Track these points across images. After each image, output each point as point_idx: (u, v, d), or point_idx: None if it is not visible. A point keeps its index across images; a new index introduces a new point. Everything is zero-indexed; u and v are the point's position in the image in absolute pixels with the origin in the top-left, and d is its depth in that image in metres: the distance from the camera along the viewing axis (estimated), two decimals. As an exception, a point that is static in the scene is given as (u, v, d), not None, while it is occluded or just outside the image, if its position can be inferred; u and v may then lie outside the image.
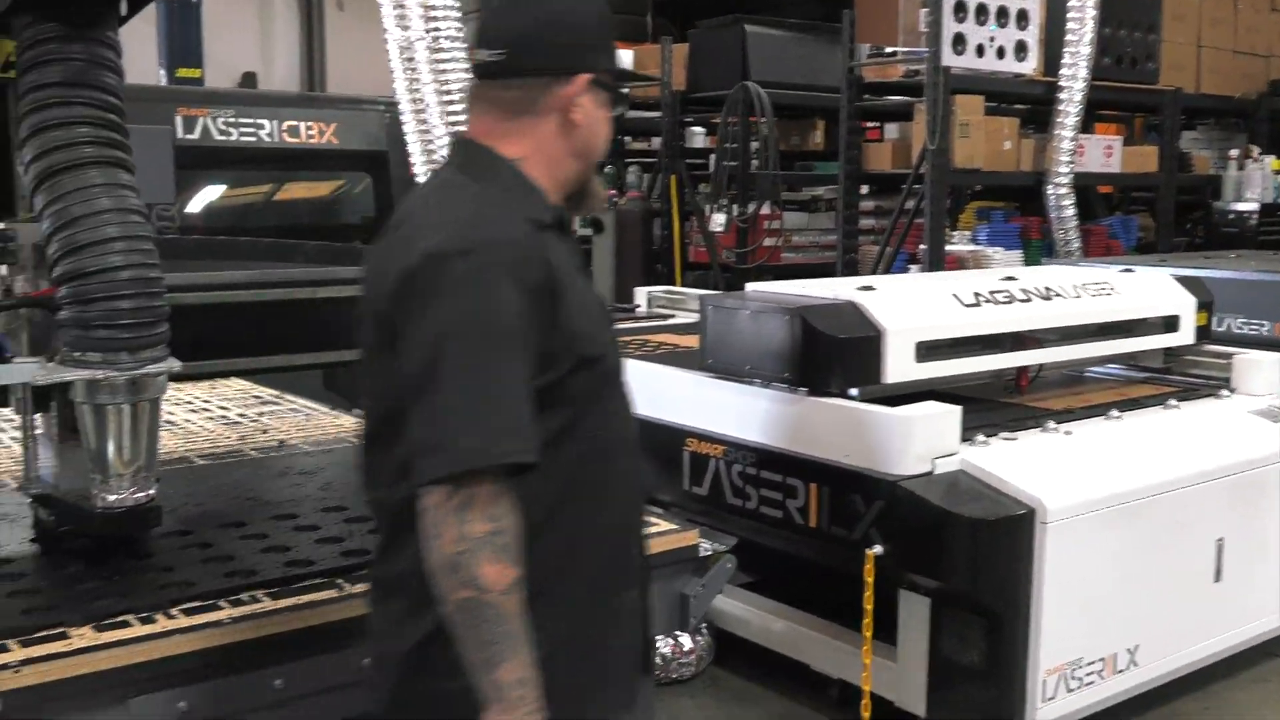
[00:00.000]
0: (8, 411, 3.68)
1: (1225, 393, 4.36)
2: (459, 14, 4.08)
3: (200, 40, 11.48)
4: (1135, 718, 3.72)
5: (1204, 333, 4.66)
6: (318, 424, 3.82)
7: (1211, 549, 3.78)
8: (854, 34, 7.54)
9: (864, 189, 9.61)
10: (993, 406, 4.07)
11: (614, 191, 9.57)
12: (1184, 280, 4.67)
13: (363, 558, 2.32)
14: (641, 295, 6.59)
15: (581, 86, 1.79)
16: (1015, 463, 3.41)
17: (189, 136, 7.18)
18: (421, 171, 4.16)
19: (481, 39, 1.82)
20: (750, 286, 4.09)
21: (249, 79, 16.69)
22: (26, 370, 2.20)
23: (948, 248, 7.45)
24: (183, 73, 11.21)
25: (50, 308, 2.21)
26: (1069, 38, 7.59)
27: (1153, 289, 4.52)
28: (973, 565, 3.22)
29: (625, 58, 10.18)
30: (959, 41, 7.07)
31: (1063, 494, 3.31)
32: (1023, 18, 7.33)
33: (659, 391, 4.09)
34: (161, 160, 2.83)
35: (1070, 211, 7.66)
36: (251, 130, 7.44)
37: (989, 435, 3.58)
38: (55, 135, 2.20)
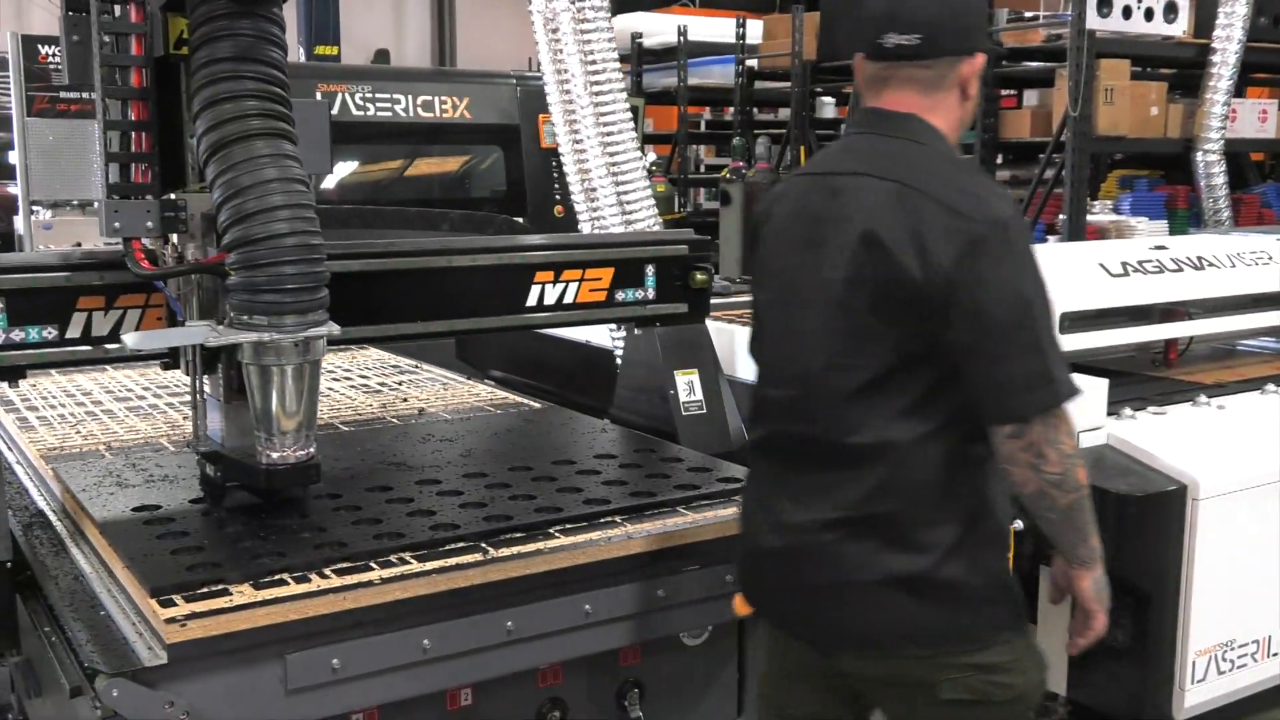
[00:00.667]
0: (162, 378, 3.86)
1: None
2: (602, -19, 4.07)
3: (337, 18, 11.76)
4: (1289, 704, 3.59)
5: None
6: (455, 393, 3.90)
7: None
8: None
9: (1000, 159, 9.38)
10: (1140, 380, 3.94)
11: (742, 163, 9.51)
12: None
13: (504, 523, 2.37)
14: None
15: (980, 64, 2.09)
16: (1164, 437, 3.30)
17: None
18: (566, 144, 4.17)
19: (893, 24, 2.04)
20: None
21: (382, 55, 17.06)
22: (199, 333, 2.30)
23: (1088, 218, 7.22)
24: (320, 50, 11.52)
25: (220, 273, 2.30)
26: (1223, -4, 7.25)
27: (1314, 258, 4.31)
28: (1120, 543, 3.13)
29: (753, 27, 10.11)
30: (1104, 3, 6.83)
31: (1216, 470, 3.19)
32: (1173, -24, 7.04)
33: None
34: (320, 132, 2.90)
35: (1220, 180, 7.34)
36: (388, 105, 7.58)
37: (1136, 409, 3.47)
38: (226, 108, 2.28)
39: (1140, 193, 7.66)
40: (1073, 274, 3.67)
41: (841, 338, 2.02)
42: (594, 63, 4.01)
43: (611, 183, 4.10)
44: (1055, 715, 3.39)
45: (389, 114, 7.57)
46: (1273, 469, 3.32)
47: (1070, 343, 3.56)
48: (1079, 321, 3.59)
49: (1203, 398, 3.60)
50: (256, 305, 2.24)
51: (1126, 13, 6.89)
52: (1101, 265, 3.74)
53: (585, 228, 4.21)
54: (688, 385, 3.50)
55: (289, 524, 2.37)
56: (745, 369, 4.27)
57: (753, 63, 10.05)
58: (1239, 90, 9.20)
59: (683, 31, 10.42)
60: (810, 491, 2.06)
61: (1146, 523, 3.10)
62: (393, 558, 2.21)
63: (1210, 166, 7.34)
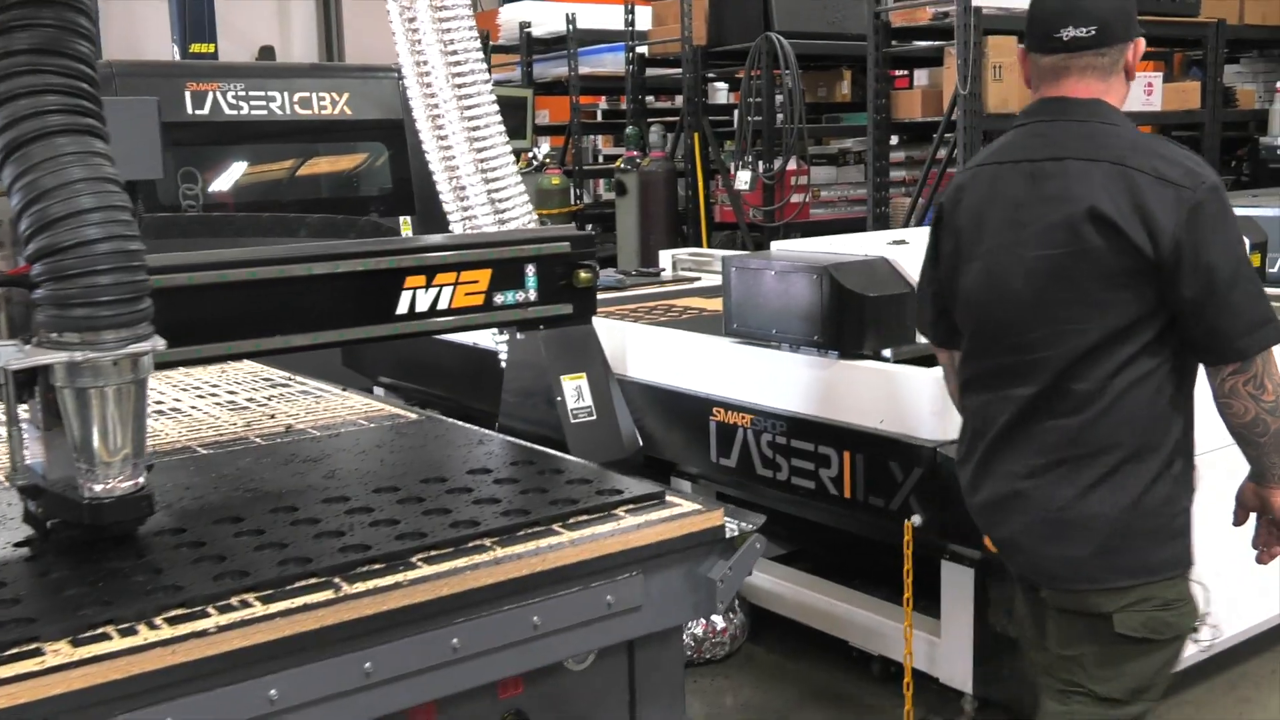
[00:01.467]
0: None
1: None
2: (459, -34, 3.88)
3: (213, 15, 11.36)
4: (1205, 679, 3.56)
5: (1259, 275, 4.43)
6: (327, 406, 3.69)
7: None
8: (877, -23, 7.28)
9: (894, 140, 9.37)
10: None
11: (636, 153, 9.37)
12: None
13: (361, 553, 2.19)
14: (666, 258, 6.43)
15: (1141, 47, 2.35)
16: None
17: (199, 112, 7.07)
18: (430, 141, 3.98)
19: (1071, 18, 2.28)
20: (775, 245, 3.93)
21: (266, 53, 16.59)
22: (2, 354, 2.07)
23: (983, 196, 7.21)
24: (196, 48, 11.11)
25: (27, 286, 2.08)
26: (1105, -29, 7.28)
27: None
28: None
29: (642, 14, 9.97)
30: (989, -22, 6.80)
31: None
32: (1056, -48, 7.04)
33: (682, 359, 3.94)
34: (149, 132, 2.67)
35: (1110, 154, 7.38)
36: (262, 103, 7.30)
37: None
38: (22, 104, 2.06)
39: (1033, 170, 7.67)
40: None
41: (1067, 306, 2.25)
42: (454, 53, 3.82)
43: (481, 180, 3.91)
44: (963, 714, 3.31)
45: (264, 113, 7.28)
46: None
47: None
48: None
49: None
50: (67, 321, 2.02)
51: (1013, -12, 6.88)
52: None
53: (456, 228, 4.03)
54: (575, 390, 3.34)
55: (122, 566, 2.15)
56: (641, 368, 4.15)
57: (644, 49, 9.90)
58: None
59: (571, 19, 10.23)
60: (1031, 440, 2.33)
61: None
62: (234, 601, 2.01)
63: (1100, 141, 7.37)
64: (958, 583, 3.23)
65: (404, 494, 2.58)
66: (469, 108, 3.89)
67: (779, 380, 3.54)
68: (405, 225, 7.70)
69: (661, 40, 9.49)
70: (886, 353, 3.41)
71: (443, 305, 2.99)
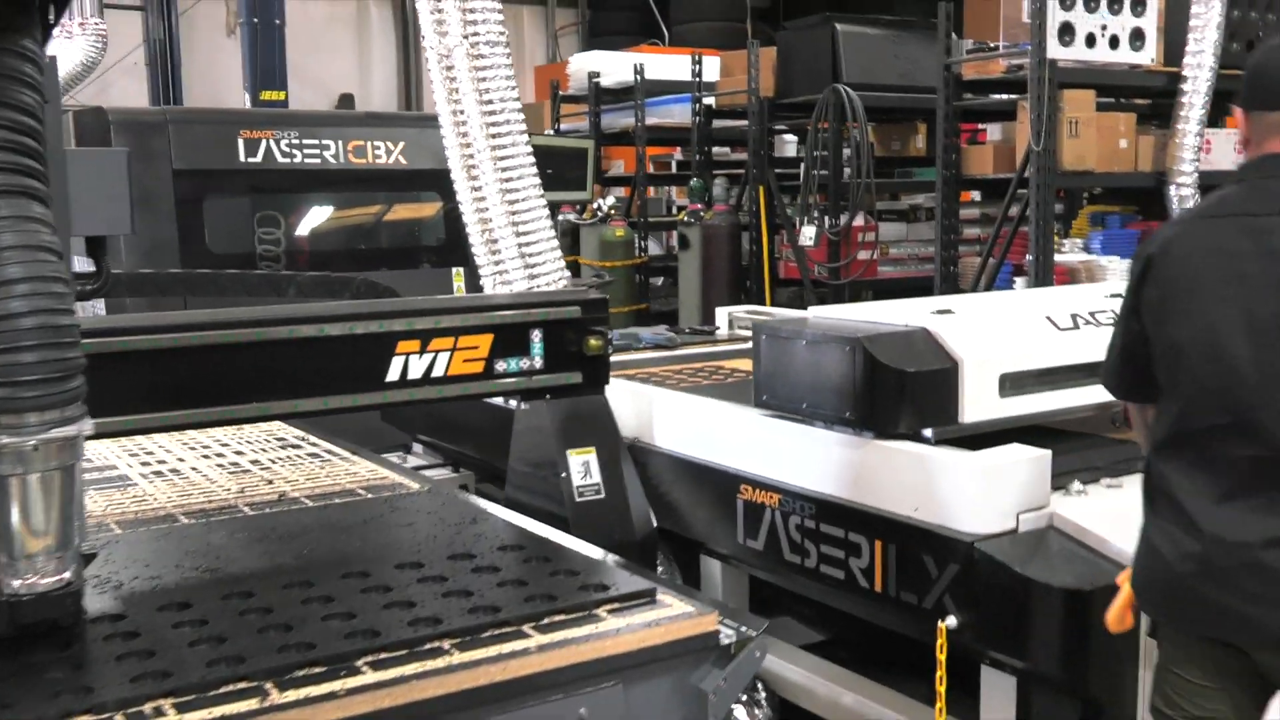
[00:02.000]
0: None
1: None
2: (499, 15, 3.73)
3: (283, 62, 11.45)
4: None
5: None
6: (330, 472, 3.52)
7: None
8: (950, 27, 7.04)
9: (974, 195, 9.07)
10: (1096, 444, 3.57)
11: (700, 205, 9.19)
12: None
13: (304, 653, 1.98)
14: (722, 316, 6.20)
15: None
16: (1117, 516, 2.92)
17: (251, 160, 7.04)
18: (465, 193, 3.82)
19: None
20: (811, 311, 3.68)
21: (346, 100, 16.79)
22: (-86, 438, 1.92)
23: (1058, 257, 6.89)
24: (267, 95, 11.19)
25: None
26: (1193, 22, 6.96)
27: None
28: (1065, 643, 2.75)
29: (710, 65, 9.82)
30: (1066, 31, 6.53)
31: (1176, 555, 2.81)
32: (1139, 3, 6.75)
33: (710, 430, 3.70)
34: (117, 185, 2.53)
35: (1196, 214, 7.01)
36: (316, 152, 7.25)
37: (1087, 481, 3.10)
38: (-47, 161, 1.92)
39: (1112, 230, 7.35)
40: (1015, 328, 3.31)
41: None
42: (490, 102, 3.66)
43: (513, 233, 3.73)
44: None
45: (318, 161, 7.24)
46: (1243, 549, 2.93)
47: (1011, 407, 3.21)
48: (1022, 382, 3.23)
49: (1164, 466, 3.22)
50: (-12, 402, 1.87)
51: (1090, 41, 6.60)
52: (1048, 318, 3.38)
53: (488, 285, 3.85)
54: (583, 466, 3.13)
55: (40, 660, 1.98)
56: (668, 438, 3.92)
57: (712, 100, 9.75)
58: (1214, 119, 8.92)
59: (639, 70, 10.12)
60: (1273, 507, 2.23)
61: (1095, 621, 2.71)
62: (147, 708, 1.82)
63: (1185, 200, 7.02)
64: (999, 692, 2.93)
65: (372, 581, 2.39)
66: (503, 158, 3.73)
67: (809, 459, 3.28)
68: (457, 277, 7.59)
69: (729, 91, 9.32)
70: (927, 433, 3.14)
71: (438, 372, 2.80)
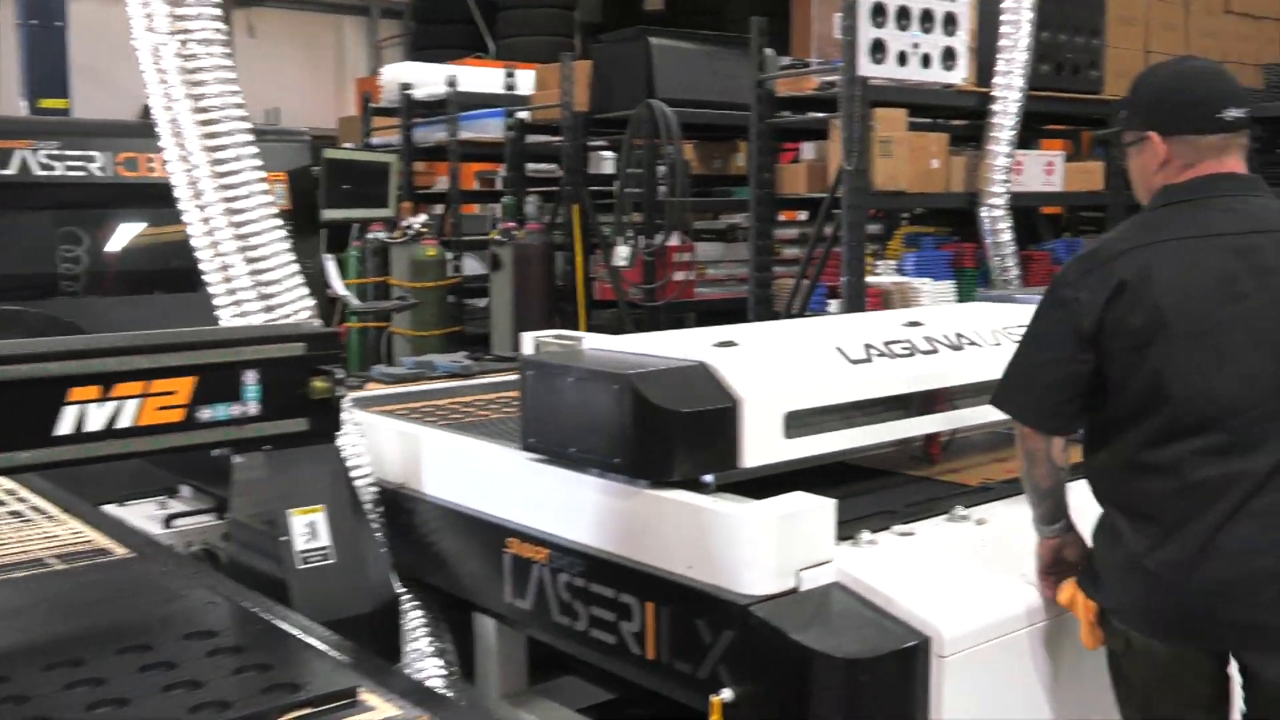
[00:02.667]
0: None
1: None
2: (216, 9, 3.30)
3: (66, 68, 10.65)
4: None
5: None
6: (28, 534, 3.03)
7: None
8: (763, 42, 6.86)
9: (801, 215, 8.94)
10: (892, 485, 3.35)
11: (512, 224, 8.84)
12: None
13: None
14: (528, 341, 5.83)
15: None
16: (908, 570, 2.68)
17: (4, 172, 6.39)
18: (191, 214, 3.37)
19: (1233, 101, 2.47)
20: (587, 343, 3.36)
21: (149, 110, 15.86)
22: None
23: (871, 279, 6.77)
24: (47, 103, 10.39)
25: None
26: (1003, 43, 6.94)
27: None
28: (850, 716, 2.47)
29: (526, 78, 9.50)
30: (878, 49, 6.41)
31: (967, 613, 2.57)
32: (950, 22, 6.69)
33: (478, 475, 3.35)
34: None
35: (1007, 236, 6.99)
36: (80, 164, 6.63)
37: (878, 529, 2.85)
38: None
39: (926, 251, 7.27)
40: (803, 362, 3.05)
41: None
42: (206, 110, 3.23)
43: (244, 259, 3.31)
44: None
45: (82, 174, 6.62)
46: (1041, 603, 2.71)
47: (798, 448, 2.94)
48: (811, 420, 2.96)
49: (961, 508, 3.00)
50: None
51: (902, 59, 6.49)
52: (840, 349, 3.13)
53: (224, 318, 3.40)
54: (308, 528, 2.74)
55: None
56: (435, 483, 3.55)
57: (527, 115, 9.41)
58: (1032, 142, 9.01)
59: (452, 82, 9.73)
60: (1269, 513, 2.33)
61: (881, 691, 2.45)
62: None
63: (996, 222, 6.99)
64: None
65: (15, 686, 1.95)
66: (225, 174, 3.29)
67: (578, 510, 2.95)
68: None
69: (544, 105, 9.01)
70: (709, 478, 2.86)
71: (125, 423, 2.39)
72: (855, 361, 3.11)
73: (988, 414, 3.43)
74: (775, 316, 7.05)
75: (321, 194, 7.09)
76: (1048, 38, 7.35)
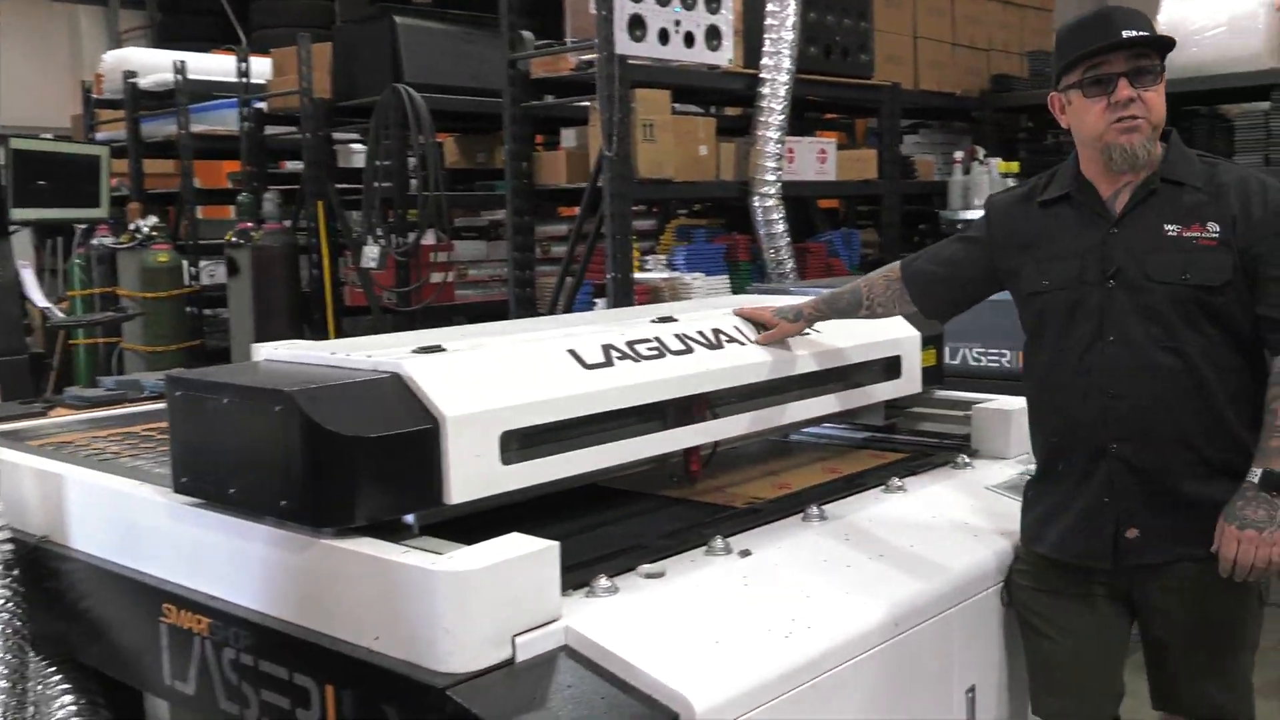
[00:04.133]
0: None
1: (964, 459, 3.30)
2: None
3: None
4: None
5: (934, 375, 3.61)
6: None
7: (962, 704, 2.66)
8: (514, 19, 6.32)
9: (580, 211, 8.40)
10: (643, 510, 2.86)
11: (249, 224, 8.03)
12: (905, 308, 3.61)
13: None
14: (259, 354, 5.11)
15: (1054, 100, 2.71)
16: (654, 625, 2.17)
17: None
18: None
19: None
20: (262, 351, 2.74)
21: None
22: None
23: (640, 275, 6.32)
24: None
25: None
26: (769, 22, 6.61)
27: (863, 322, 3.42)
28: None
29: (261, 64, 8.69)
30: (637, 25, 5.95)
31: (726, 676, 2.08)
32: (713, -1, 6.29)
33: (124, 524, 2.68)
34: None
35: (781, 227, 6.66)
36: None
37: (620, 572, 2.34)
38: None
39: (698, 245, 6.88)
40: (527, 370, 2.50)
41: None
42: None
43: None
44: None
45: None
46: (819, 652, 2.24)
47: (520, 475, 2.40)
48: (535, 440, 2.43)
49: (720, 540, 2.52)
50: None
51: (664, 37, 6.05)
52: (574, 352, 2.61)
53: None
54: None
55: None
56: (82, 535, 2.86)
57: (264, 105, 8.60)
58: (811, 130, 8.77)
59: (180, 69, 8.82)
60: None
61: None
62: None
63: (769, 213, 6.65)
64: None
65: None
66: None
67: (243, 568, 2.34)
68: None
69: (281, 93, 8.23)
70: (409, 519, 2.29)
71: None
72: (591, 366, 2.59)
73: (753, 422, 3.01)
74: (539, 316, 6.52)
75: (9, 192, 6.18)
76: (815, 19, 7.07)
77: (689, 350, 2.82)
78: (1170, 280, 2.49)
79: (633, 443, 2.67)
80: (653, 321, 2.93)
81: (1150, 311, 2.51)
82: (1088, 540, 2.59)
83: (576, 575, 2.27)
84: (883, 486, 3.03)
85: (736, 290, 6.60)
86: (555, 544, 2.11)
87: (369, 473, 2.18)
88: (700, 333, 2.91)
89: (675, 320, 2.95)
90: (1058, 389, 2.63)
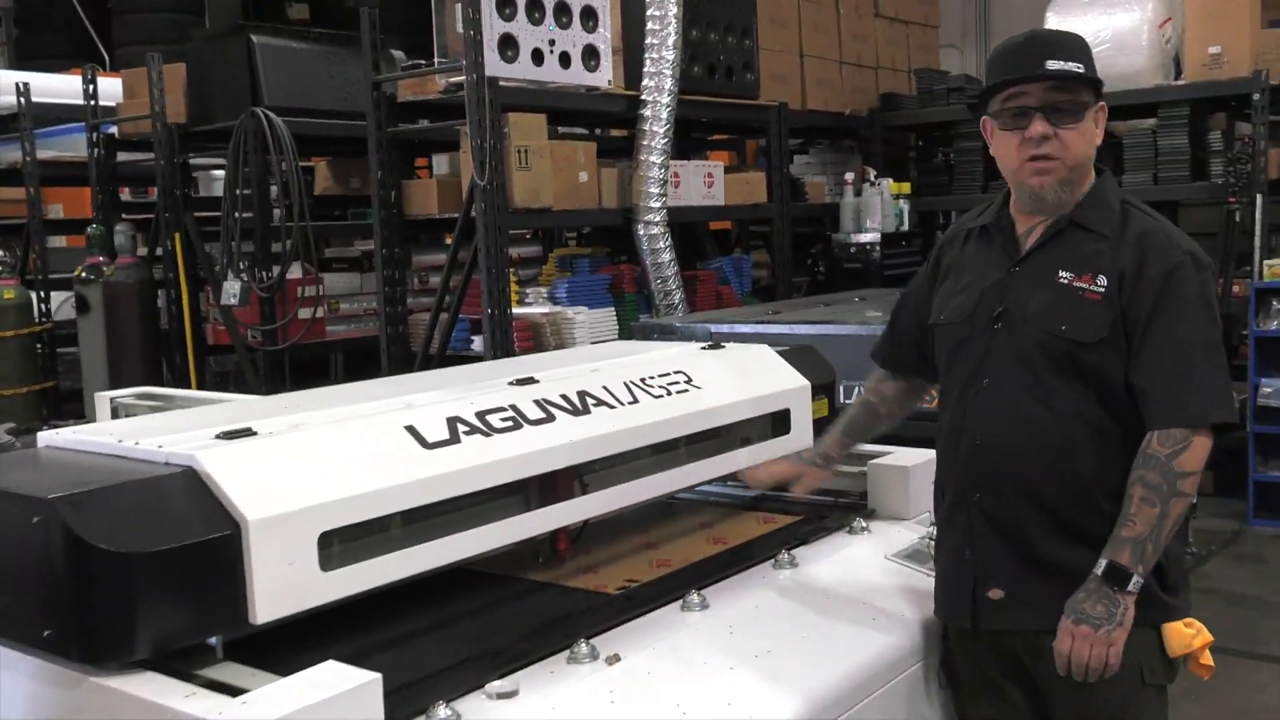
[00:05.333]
0: None
1: (861, 522, 3.02)
2: None
3: None
4: None
5: (827, 425, 3.34)
6: None
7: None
8: (376, 36, 5.96)
9: (452, 243, 8.03)
10: (503, 601, 2.52)
11: (100, 258, 7.50)
12: (794, 354, 3.33)
13: None
14: (103, 404, 4.64)
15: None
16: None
17: None
18: None
19: None
20: (44, 438, 2.34)
21: None
22: None
23: (520, 310, 5.98)
24: None
25: None
26: (649, 41, 6.34)
27: (748, 373, 3.13)
28: None
29: (112, 86, 8.17)
30: (508, 45, 5.65)
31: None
32: (590, 17, 6.01)
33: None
34: None
35: (667, 256, 6.39)
36: None
37: (465, 693, 2.00)
38: None
39: (581, 276, 6.56)
40: (352, 454, 2.15)
41: None
42: None
43: None
44: None
45: None
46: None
47: (343, 583, 2.04)
48: (364, 539, 2.08)
49: (583, 644, 2.19)
50: None
51: (538, 57, 5.76)
52: (413, 430, 2.26)
53: None
54: None
55: None
56: None
57: (115, 129, 8.07)
58: (700, 153, 8.54)
59: (23, 91, 8.25)
60: None
61: None
62: None
63: (655, 240, 6.37)
64: None
65: None
66: None
67: (9, 704, 1.95)
68: None
69: (132, 118, 7.72)
70: (212, 641, 1.92)
71: None
72: (433, 445, 2.25)
73: (627, 494, 2.70)
74: (412, 356, 6.15)
75: None
76: (698, 37, 6.83)
77: (550, 419, 2.50)
78: (1048, 329, 2.31)
79: (486, 531, 2.33)
80: (510, 384, 2.60)
81: (1025, 359, 2.33)
82: (949, 596, 2.46)
83: (410, 702, 1.92)
84: (772, 561, 2.73)
85: (623, 322, 6.30)
86: (377, 677, 1.77)
87: (151, 596, 1.81)
88: (564, 397, 2.58)
89: (536, 382, 2.62)
90: (941, 430, 2.51)
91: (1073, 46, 2.33)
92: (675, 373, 2.90)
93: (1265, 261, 7.29)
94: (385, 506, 2.10)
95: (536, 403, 2.52)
